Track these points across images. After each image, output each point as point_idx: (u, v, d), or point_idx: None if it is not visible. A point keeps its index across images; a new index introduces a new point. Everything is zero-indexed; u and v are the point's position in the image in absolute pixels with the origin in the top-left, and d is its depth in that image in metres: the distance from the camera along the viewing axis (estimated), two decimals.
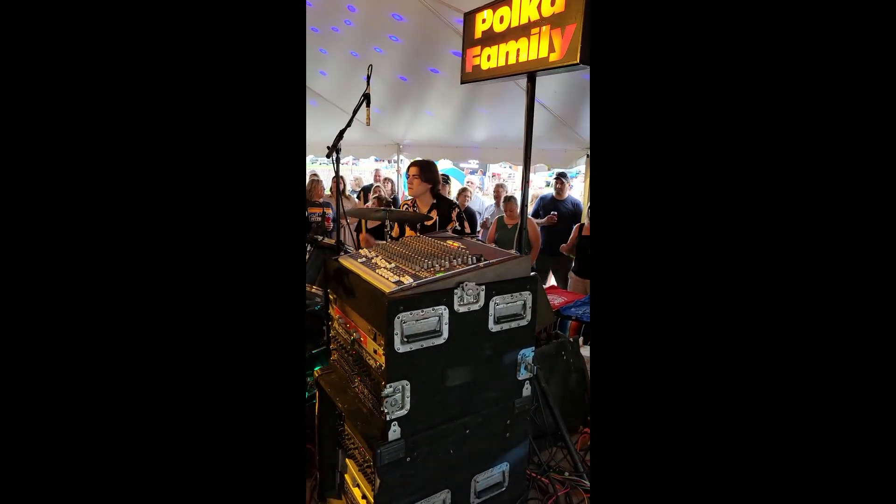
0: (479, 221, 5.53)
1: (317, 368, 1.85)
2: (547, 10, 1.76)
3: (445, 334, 1.36)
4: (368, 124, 2.35)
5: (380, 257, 1.61)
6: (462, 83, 2.28)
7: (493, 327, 1.46)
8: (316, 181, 5.17)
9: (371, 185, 6.57)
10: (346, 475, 1.71)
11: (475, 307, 1.41)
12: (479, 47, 2.13)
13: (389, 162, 7.64)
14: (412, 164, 2.87)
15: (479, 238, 4.57)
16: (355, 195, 6.63)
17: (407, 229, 2.91)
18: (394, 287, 1.31)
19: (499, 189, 5.49)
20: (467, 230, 2.83)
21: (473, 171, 15.70)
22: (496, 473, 1.60)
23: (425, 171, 2.80)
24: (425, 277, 1.36)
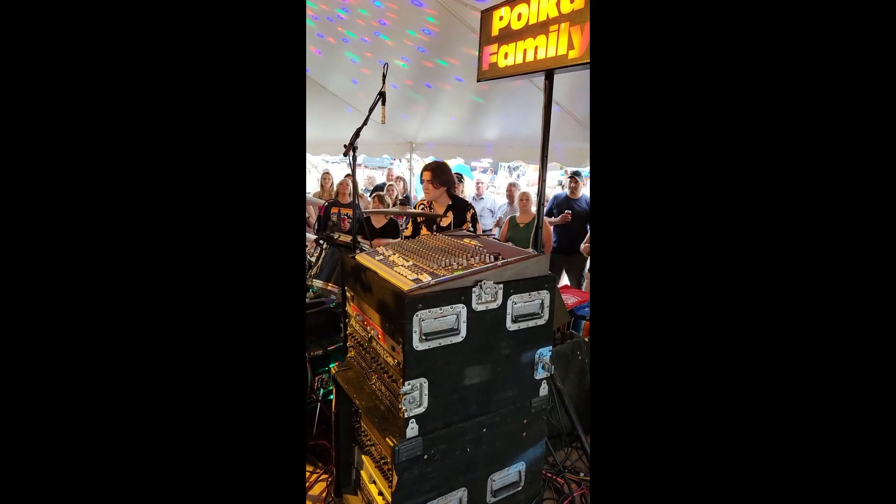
0: (493, 220, 5.51)
1: (332, 365, 1.87)
2: (566, 7, 1.75)
3: (463, 332, 1.36)
4: (384, 122, 2.35)
5: (397, 255, 1.61)
6: (479, 81, 2.27)
7: (510, 326, 1.45)
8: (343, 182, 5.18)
9: (384, 184, 6.58)
10: (362, 472, 1.72)
11: (493, 306, 1.40)
12: (496, 45, 2.12)
13: (399, 160, 7.63)
14: (425, 169, 2.83)
15: (494, 236, 4.56)
16: (368, 194, 6.65)
17: (423, 229, 2.91)
18: (412, 285, 1.32)
19: (511, 188, 5.46)
20: (479, 231, 2.82)
21: (485, 170, 15.66)
22: (512, 473, 1.59)
23: (438, 174, 2.78)
24: (443, 276, 1.36)
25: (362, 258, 1.65)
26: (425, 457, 1.37)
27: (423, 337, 1.30)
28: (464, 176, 5.92)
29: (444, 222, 2.74)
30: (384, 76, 2.22)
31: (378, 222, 3.87)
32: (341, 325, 2.22)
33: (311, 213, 5.31)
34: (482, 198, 5.97)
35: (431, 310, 1.30)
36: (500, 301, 1.41)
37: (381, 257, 1.62)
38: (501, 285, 1.40)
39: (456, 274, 1.37)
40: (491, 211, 5.72)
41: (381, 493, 1.54)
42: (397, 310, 1.30)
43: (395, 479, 1.34)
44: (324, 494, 1.93)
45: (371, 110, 2.18)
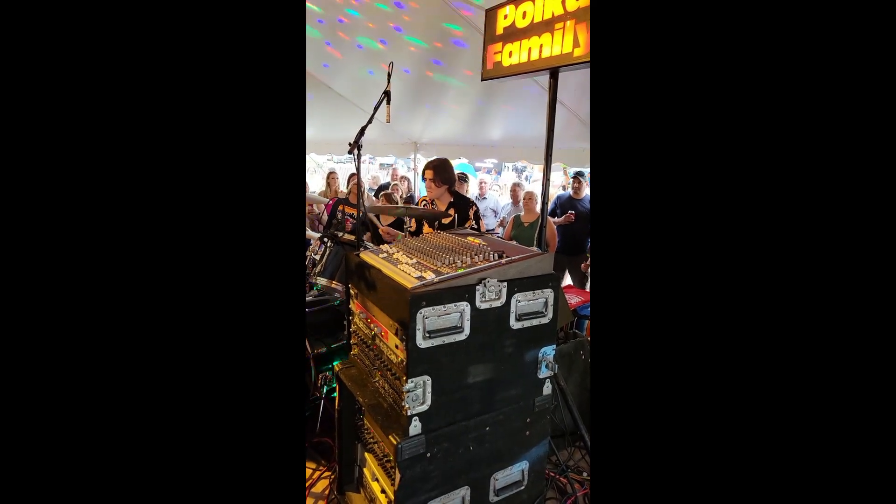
0: (496, 220, 5.51)
1: (336, 362, 1.87)
2: (571, 5, 1.74)
3: (467, 330, 1.36)
4: (388, 121, 2.35)
5: (401, 253, 1.61)
6: (483, 80, 2.27)
7: (514, 324, 1.45)
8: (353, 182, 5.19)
9: (388, 183, 6.59)
10: (364, 469, 1.72)
11: (497, 304, 1.40)
12: (500, 43, 2.12)
13: (392, 157, 7.57)
14: (426, 168, 2.83)
15: (498, 235, 4.55)
16: (372, 193, 6.66)
17: (425, 226, 2.91)
18: (416, 282, 1.31)
19: (516, 188, 5.45)
20: (483, 229, 2.81)
21: (489, 170, 15.65)
22: (515, 472, 1.59)
23: (440, 172, 2.78)
24: (447, 273, 1.36)
25: (366, 256, 1.65)
26: (428, 455, 1.37)
27: (427, 334, 1.30)
28: (468, 175, 5.92)
29: (448, 219, 2.74)
30: (389, 75, 2.22)
31: (385, 220, 3.88)
32: (345, 322, 2.22)
33: (321, 211, 5.32)
34: (485, 197, 5.97)
35: (435, 307, 1.29)
36: (503, 299, 1.41)
37: (385, 255, 1.62)
38: (505, 283, 1.40)
39: (460, 272, 1.36)
40: (494, 211, 5.72)
41: (383, 491, 1.54)
42: (401, 307, 1.30)
43: (398, 476, 1.34)
44: (326, 492, 1.93)
45: (376, 109, 2.18)
